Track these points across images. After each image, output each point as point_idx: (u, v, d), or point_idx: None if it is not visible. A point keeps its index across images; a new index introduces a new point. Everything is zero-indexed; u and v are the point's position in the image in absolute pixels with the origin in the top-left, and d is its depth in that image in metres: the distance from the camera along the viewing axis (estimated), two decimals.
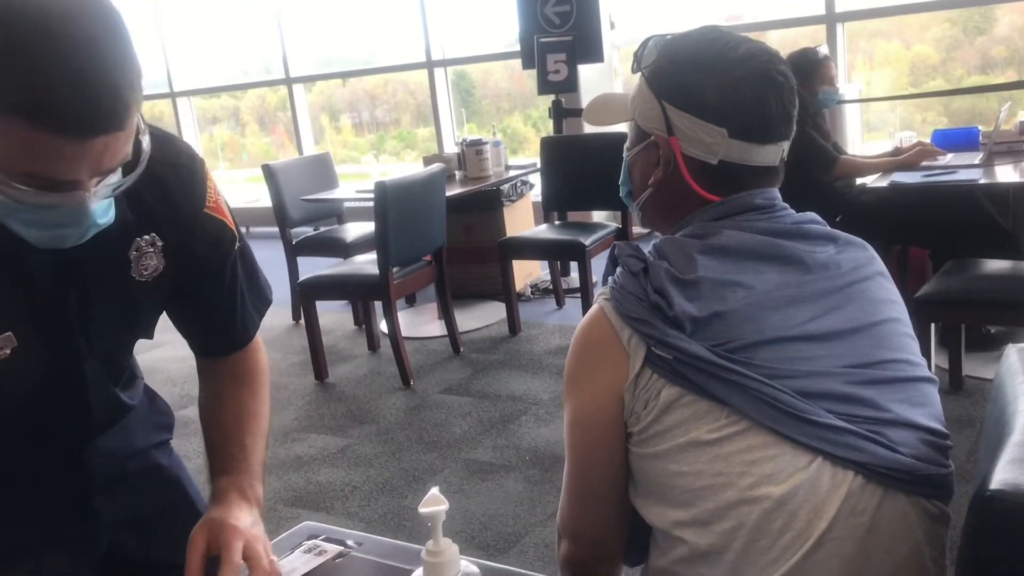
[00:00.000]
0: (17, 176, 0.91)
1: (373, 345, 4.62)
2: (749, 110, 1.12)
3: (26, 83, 0.86)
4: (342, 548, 1.25)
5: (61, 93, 0.87)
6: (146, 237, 1.15)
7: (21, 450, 1.18)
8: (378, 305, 4.32)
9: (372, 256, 4.08)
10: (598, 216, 5.42)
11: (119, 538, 1.30)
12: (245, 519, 1.17)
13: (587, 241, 4.30)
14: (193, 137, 8.75)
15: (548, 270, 5.21)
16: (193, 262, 1.20)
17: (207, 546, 1.13)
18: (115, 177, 0.98)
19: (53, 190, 0.93)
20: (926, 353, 3.03)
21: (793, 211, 1.19)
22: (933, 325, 3.11)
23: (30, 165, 0.90)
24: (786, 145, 1.17)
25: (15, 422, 1.15)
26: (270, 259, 6.14)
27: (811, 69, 3.78)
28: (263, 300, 1.35)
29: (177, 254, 1.18)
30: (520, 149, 7.53)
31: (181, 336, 1.34)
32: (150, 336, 1.25)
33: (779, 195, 1.18)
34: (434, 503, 0.87)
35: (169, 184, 1.15)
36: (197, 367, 1.37)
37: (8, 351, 1.07)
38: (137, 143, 0.98)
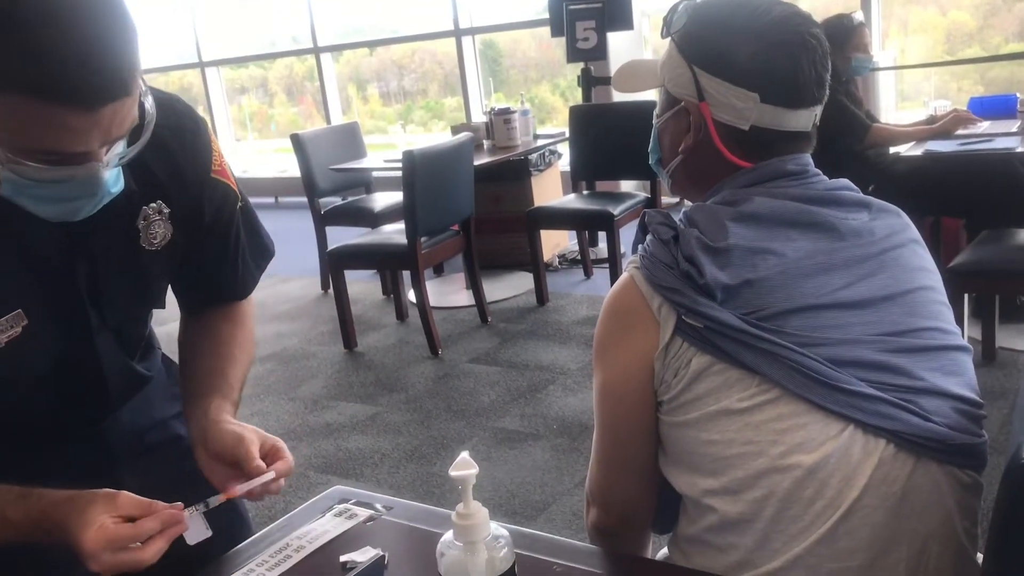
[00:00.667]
0: (29, 153, 0.91)
1: (401, 314, 4.64)
2: (781, 74, 1.10)
3: (32, 59, 0.86)
4: (372, 512, 1.26)
5: (68, 66, 0.86)
6: (153, 205, 1.14)
7: (42, 426, 1.19)
8: (406, 275, 4.34)
9: (400, 226, 4.10)
10: (626, 186, 5.39)
11: None
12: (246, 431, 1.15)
13: (616, 211, 4.28)
14: (222, 107, 8.79)
15: (576, 240, 5.20)
16: (200, 227, 1.21)
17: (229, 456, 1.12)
18: (122, 145, 0.98)
19: (65, 163, 0.93)
20: (959, 324, 2.99)
21: (826, 177, 1.17)
22: (967, 296, 3.08)
23: (42, 141, 0.90)
24: (818, 110, 1.16)
25: (34, 399, 1.15)
26: (299, 229, 6.17)
27: (845, 36, 3.71)
28: (265, 255, 1.36)
29: (184, 220, 1.18)
30: (547, 119, 7.49)
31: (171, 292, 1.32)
32: (162, 306, 1.26)
33: (811, 161, 1.17)
34: (465, 466, 0.88)
35: (174, 149, 1.14)
36: (182, 315, 1.35)
37: (19, 329, 1.06)
38: (140, 105, 0.98)
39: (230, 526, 1.34)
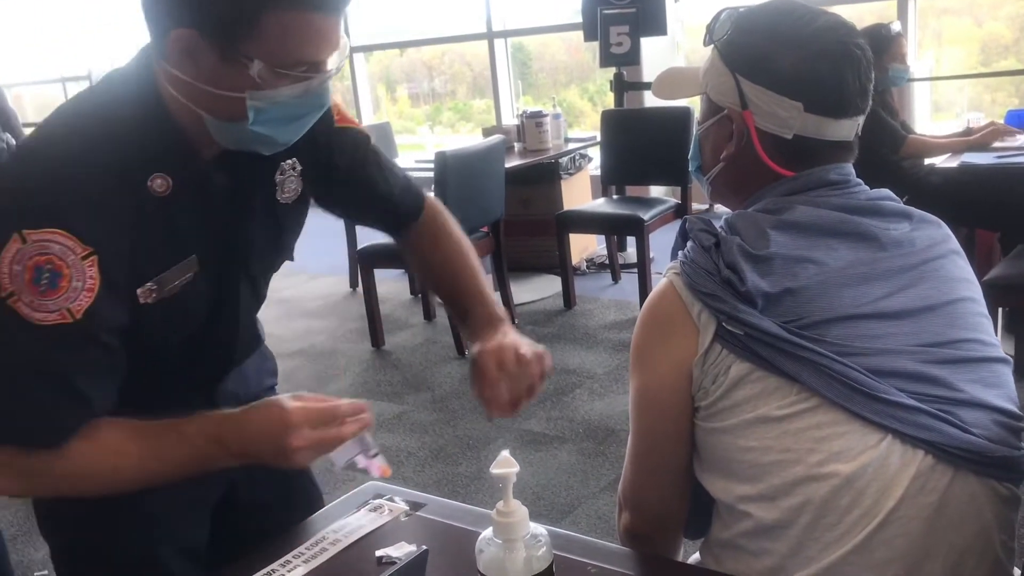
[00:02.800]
0: (287, 66, 1.01)
1: (429, 314, 4.66)
2: (826, 84, 1.11)
3: None
4: (407, 508, 1.27)
5: None
6: (288, 161, 1.22)
7: (168, 385, 1.20)
8: None
9: None
10: (656, 191, 5.38)
11: (234, 480, 1.33)
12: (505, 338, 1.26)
13: (646, 216, 4.28)
14: None
15: (604, 244, 5.19)
16: (335, 177, 1.28)
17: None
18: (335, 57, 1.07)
19: (312, 72, 1.03)
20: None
21: (867, 187, 1.17)
22: (1000, 310, 3.05)
23: (299, 52, 1.01)
24: (861, 120, 1.16)
25: (177, 351, 1.19)
26: (329, 228, 6.20)
27: (882, 45, 3.69)
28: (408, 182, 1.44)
29: (316, 174, 1.26)
30: (576, 123, 7.49)
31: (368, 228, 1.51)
32: (292, 258, 1.33)
33: (853, 171, 1.17)
34: (506, 464, 0.89)
35: None
36: (400, 249, 1.49)
37: (190, 275, 1.13)
38: None
39: (305, 494, 1.45)
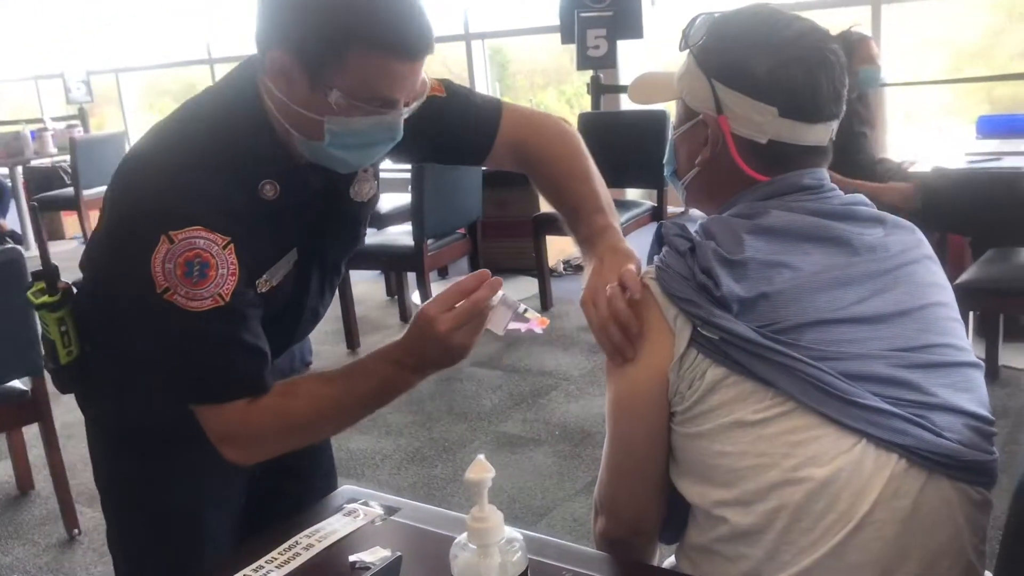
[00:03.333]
0: (363, 100, 1.11)
1: (405, 316, 4.65)
2: (800, 89, 1.11)
3: (376, 20, 1.08)
4: (382, 512, 1.27)
5: (405, 25, 1.09)
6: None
7: None
8: (411, 276, 4.34)
9: (407, 227, 4.11)
10: (632, 194, 5.39)
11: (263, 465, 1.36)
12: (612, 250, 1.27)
13: (621, 219, 4.27)
14: None
15: None
16: (420, 139, 1.31)
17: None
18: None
19: (385, 107, 1.13)
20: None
21: (841, 192, 1.18)
22: (971, 313, 3.08)
23: (378, 89, 1.11)
24: (835, 125, 1.16)
25: None
26: None
27: (849, 49, 3.69)
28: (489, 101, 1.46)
29: (400, 151, 1.29)
30: None
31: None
32: (362, 244, 1.45)
33: (827, 176, 1.18)
34: (481, 470, 0.88)
35: None
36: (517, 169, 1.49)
37: (291, 265, 1.26)
38: None
39: (324, 477, 1.56)
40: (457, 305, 1.15)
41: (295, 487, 1.48)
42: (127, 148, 7.43)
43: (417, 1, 1.11)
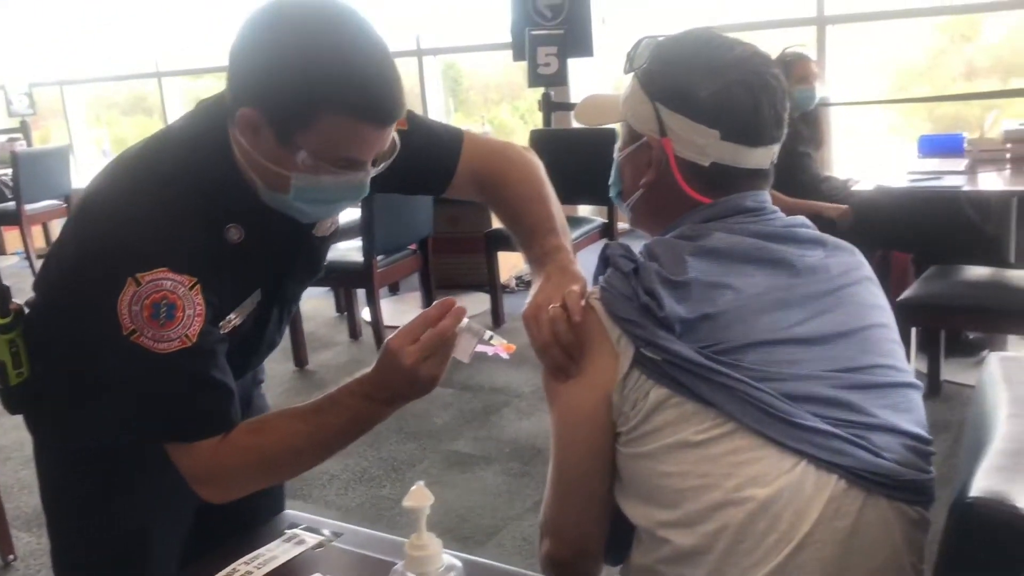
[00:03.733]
0: (331, 161, 1.11)
1: (355, 333, 4.61)
2: (742, 113, 1.12)
3: (348, 85, 1.07)
4: (322, 538, 1.25)
5: (376, 90, 1.09)
6: None
7: None
8: (361, 293, 4.31)
9: (357, 243, 4.07)
10: (583, 211, 5.42)
11: None
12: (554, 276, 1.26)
13: (572, 236, 4.29)
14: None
15: None
16: (385, 174, 1.27)
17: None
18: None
19: (351, 169, 1.13)
20: (906, 357, 3.05)
21: (783, 214, 1.19)
22: (914, 329, 3.14)
23: (346, 151, 1.12)
24: (776, 148, 1.18)
25: None
26: None
27: (785, 70, 3.75)
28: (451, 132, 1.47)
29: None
30: (507, 140, 7.51)
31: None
32: (321, 275, 1.45)
33: (769, 198, 1.19)
34: (419, 497, 0.87)
35: None
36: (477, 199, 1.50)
37: (254, 304, 1.27)
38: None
39: (271, 497, 1.50)
40: (422, 336, 1.14)
41: (242, 506, 1.45)
42: (72, 162, 7.29)
43: (389, 65, 1.12)
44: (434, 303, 1.18)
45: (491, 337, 1.18)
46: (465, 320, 1.16)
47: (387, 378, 1.17)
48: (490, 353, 1.19)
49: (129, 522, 1.35)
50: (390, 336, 1.17)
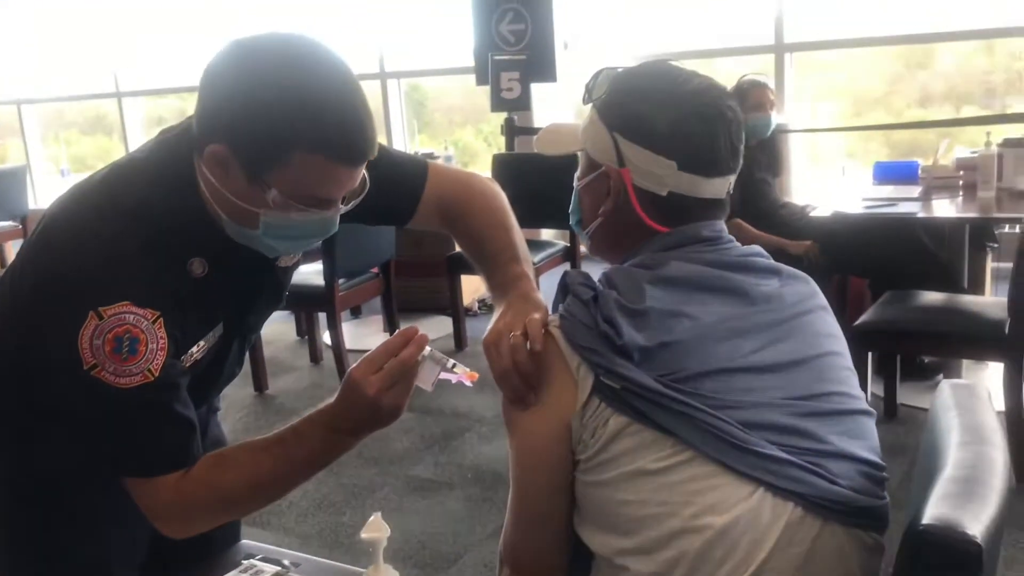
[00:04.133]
0: (299, 199, 1.11)
1: (315, 357, 4.57)
2: (699, 144, 1.14)
3: (320, 125, 1.07)
4: (279, 568, 1.23)
5: (348, 130, 1.09)
6: None
7: None
8: (322, 316, 4.28)
9: (318, 266, 4.04)
10: (546, 234, 5.44)
11: None
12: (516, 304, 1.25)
13: (535, 259, 4.31)
14: (139, 139, 8.60)
15: None
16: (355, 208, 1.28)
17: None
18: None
19: (320, 207, 1.13)
20: (863, 381, 3.09)
21: (739, 243, 1.21)
22: (870, 354, 3.18)
23: (317, 191, 1.12)
24: (732, 179, 1.20)
25: None
26: None
27: (739, 98, 3.78)
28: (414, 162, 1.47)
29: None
30: (471, 163, 7.53)
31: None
32: (283, 307, 1.46)
33: (725, 227, 1.20)
34: (376, 529, 0.87)
35: None
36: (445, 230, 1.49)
37: (216, 338, 1.26)
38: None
39: (221, 531, 1.46)
40: (385, 366, 1.14)
41: (197, 536, 1.43)
42: (29, 183, 7.16)
43: (361, 104, 1.12)
44: (396, 332, 1.17)
45: (454, 365, 1.18)
46: (427, 348, 1.15)
47: (350, 409, 1.16)
48: (453, 381, 1.19)
49: (80, 554, 1.32)
50: (353, 366, 1.16)
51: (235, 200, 1.13)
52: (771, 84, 3.95)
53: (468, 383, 1.18)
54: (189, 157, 1.17)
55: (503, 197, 1.48)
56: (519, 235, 1.42)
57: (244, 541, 1.33)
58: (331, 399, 1.18)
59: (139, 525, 1.31)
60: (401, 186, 1.42)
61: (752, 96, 3.81)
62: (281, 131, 1.07)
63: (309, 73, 1.09)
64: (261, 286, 1.33)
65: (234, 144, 1.09)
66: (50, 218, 1.19)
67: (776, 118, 3.92)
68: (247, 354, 1.50)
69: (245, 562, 1.25)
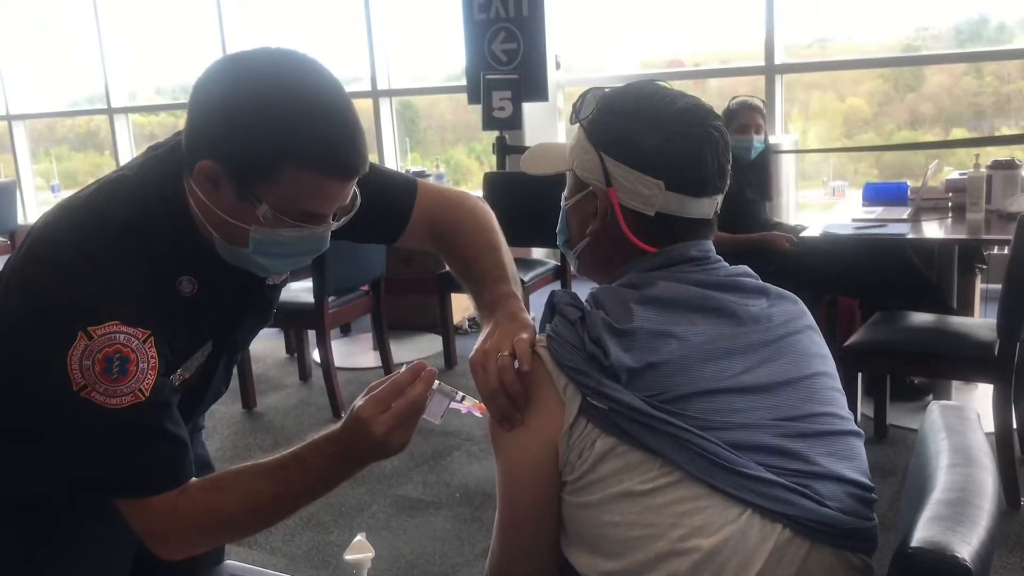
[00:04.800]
0: (292, 215, 1.11)
1: (304, 375, 4.55)
2: (686, 163, 1.14)
3: (311, 140, 1.06)
4: None
5: (339, 144, 1.09)
6: None
7: None
8: (311, 334, 4.26)
9: (308, 283, 4.03)
10: (537, 253, 5.44)
11: None
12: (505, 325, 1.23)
13: (525, 277, 4.31)
14: (128, 155, 8.59)
15: None
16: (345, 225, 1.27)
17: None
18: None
19: (310, 223, 1.13)
20: (852, 402, 3.09)
21: (726, 263, 1.20)
22: (860, 374, 3.18)
23: (308, 206, 1.11)
24: (719, 199, 1.20)
25: None
26: None
27: (728, 119, 3.77)
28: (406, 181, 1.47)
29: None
30: (463, 181, 7.54)
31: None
32: (271, 324, 1.45)
33: (713, 247, 1.20)
34: (360, 550, 0.85)
35: None
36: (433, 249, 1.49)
37: (205, 356, 1.25)
38: None
39: (205, 552, 1.44)
40: (394, 405, 1.13)
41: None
42: (19, 198, 7.13)
43: (352, 118, 1.11)
44: (405, 369, 1.16)
45: (463, 398, 1.18)
46: (436, 383, 1.15)
47: (356, 445, 1.15)
48: (463, 411, 1.19)
49: None
50: (360, 403, 1.14)
51: (225, 217, 1.13)
52: (761, 106, 3.94)
53: (478, 414, 1.18)
54: (178, 174, 1.16)
55: (492, 217, 1.47)
56: (508, 255, 1.42)
57: (229, 561, 1.31)
58: (335, 427, 1.17)
59: (117, 549, 1.29)
60: (390, 204, 1.41)
61: (740, 117, 3.82)
62: (271, 145, 1.06)
63: (299, 87, 1.09)
64: (249, 304, 1.32)
65: (224, 159, 1.09)
66: (36, 235, 1.17)
67: (760, 142, 3.90)
68: (235, 371, 1.49)
69: None
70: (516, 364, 1.12)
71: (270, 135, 1.06)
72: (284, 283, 1.41)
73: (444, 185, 1.48)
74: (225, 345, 1.31)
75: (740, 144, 3.77)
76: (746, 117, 3.82)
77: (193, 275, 1.18)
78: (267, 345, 5.02)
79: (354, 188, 1.16)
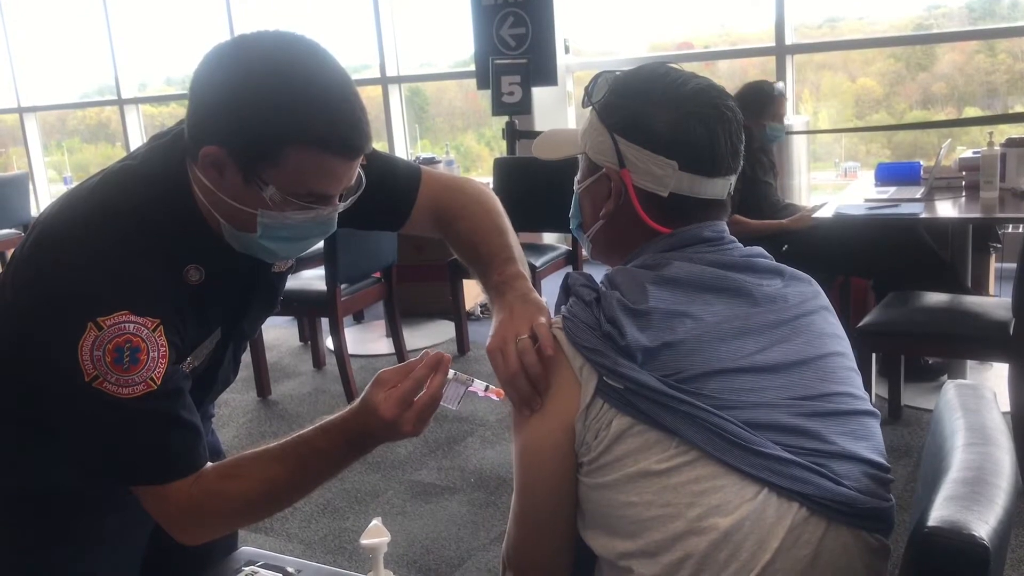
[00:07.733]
0: (298, 196, 1.11)
1: (318, 362, 4.56)
2: (699, 143, 1.13)
3: (314, 118, 1.06)
4: (281, 575, 1.22)
5: (343, 122, 1.08)
6: None
7: None
8: (324, 321, 4.27)
9: (320, 271, 4.04)
10: (548, 238, 5.44)
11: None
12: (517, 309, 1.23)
13: (537, 262, 4.31)
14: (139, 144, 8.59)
15: None
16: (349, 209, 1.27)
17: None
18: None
19: (318, 204, 1.13)
20: (867, 383, 3.08)
21: (740, 244, 1.20)
22: (874, 355, 3.17)
23: (314, 186, 1.11)
24: (733, 179, 1.19)
25: None
26: None
27: (764, 103, 3.80)
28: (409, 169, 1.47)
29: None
30: (473, 167, 7.54)
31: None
32: (277, 311, 1.46)
33: (727, 228, 1.20)
34: (376, 534, 0.86)
35: None
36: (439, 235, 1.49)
37: (213, 344, 1.26)
38: None
39: (219, 539, 1.44)
40: (415, 400, 1.13)
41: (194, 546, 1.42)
42: (31, 190, 7.17)
43: (354, 97, 1.11)
44: (423, 362, 1.16)
45: (486, 388, 1.19)
46: (452, 372, 1.16)
47: (377, 432, 1.15)
48: (480, 395, 1.19)
49: (72, 572, 1.30)
50: (382, 404, 1.13)
51: (231, 202, 1.12)
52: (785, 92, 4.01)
53: (495, 398, 1.18)
54: (182, 162, 1.16)
55: (497, 201, 1.47)
56: (514, 238, 1.42)
57: (245, 548, 1.32)
58: (346, 410, 1.17)
59: (128, 540, 1.30)
60: (395, 190, 1.41)
61: (776, 105, 3.86)
62: (275, 126, 1.06)
63: (300, 68, 1.08)
64: (256, 291, 1.32)
65: (228, 143, 1.08)
66: (43, 227, 1.16)
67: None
68: (248, 359, 1.49)
69: (247, 568, 1.24)
70: (537, 347, 1.12)
71: (273, 116, 1.06)
72: (289, 270, 1.41)
73: (451, 171, 1.47)
74: (233, 333, 1.31)
75: (777, 130, 3.85)
76: (782, 104, 3.88)
77: (200, 264, 1.18)
78: (281, 333, 5.04)
79: (359, 169, 1.16)
